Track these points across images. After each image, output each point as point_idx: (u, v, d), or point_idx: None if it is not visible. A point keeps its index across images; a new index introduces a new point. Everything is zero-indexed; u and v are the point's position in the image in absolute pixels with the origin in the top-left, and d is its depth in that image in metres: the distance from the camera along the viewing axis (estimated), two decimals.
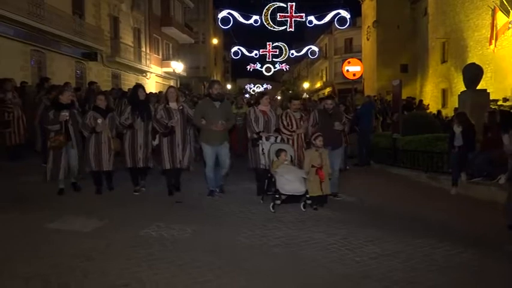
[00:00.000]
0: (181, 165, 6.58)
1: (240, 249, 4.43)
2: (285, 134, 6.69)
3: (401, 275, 3.90)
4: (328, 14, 21.56)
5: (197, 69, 37.20)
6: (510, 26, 15.93)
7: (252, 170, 6.98)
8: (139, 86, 6.94)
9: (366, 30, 34.12)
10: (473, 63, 11.54)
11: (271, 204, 5.83)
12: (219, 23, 22.60)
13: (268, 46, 29.24)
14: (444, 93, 23.95)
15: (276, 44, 29.33)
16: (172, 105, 6.49)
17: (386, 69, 29.25)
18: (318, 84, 49.66)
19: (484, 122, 7.92)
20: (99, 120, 6.35)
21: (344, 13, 21.17)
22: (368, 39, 33.52)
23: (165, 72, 28.67)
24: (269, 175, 6.12)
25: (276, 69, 37.70)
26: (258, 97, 7.15)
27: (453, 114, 12.06)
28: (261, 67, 36.19)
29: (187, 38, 32.48)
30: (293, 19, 21.42)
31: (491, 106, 11.17)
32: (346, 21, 21.71)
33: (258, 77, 46.66)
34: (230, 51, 31.70)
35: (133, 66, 24.15)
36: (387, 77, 26.54)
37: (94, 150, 6.44)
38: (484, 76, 11.13)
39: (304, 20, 21.62)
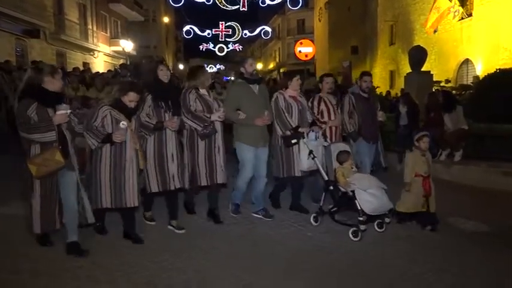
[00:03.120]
0: (222, 179, 4.56)
1: (196, 229, 4.47)
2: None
3: (351, 247, 4.14)
4: None
5: (148, 48, 35.96)
6: (451, 10, 16.67)
7: (280, 179, 5.14)
8: (160, 63, 4.55)
9: (317, 12, 34.47)
10: (419, 46, 12.04)
11: (351, 230, 4.28)
12: (170, 1, 21.97)
13: (221, 26, 28.90)
14: (392, 74, 24.84)
15: (229, 23, 29.03)
16: (204, 92, 4.57)
17: (337, 51, 29.81)
18: (271, 65, 49.79)
19: (426, 103, 8.35)
20: (123, 124, 3.78)
21: None
22: (320, 21, 33.92)
23: (114, 51, 27.56)
24: (331, 187, 4.61)
25: (229, 50, 37.33)
26: (285, 79, 5.22)
27: (400, 94, 12.58)
28: (214, 47, 35.67)
29: (136, 15, 31.28)
30: None
31: (434, 87, 11.76)
32: (299, 2, 21.91)
33: (211, 57, 46.00)
34: (182, 31, 31.00)
35: (80, 45, 23.01)
36: (338, 58, 27.06)
37: (112, 175, 3.83)
38: (428, 58, 11.66)
39: None
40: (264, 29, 30.14)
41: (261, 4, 22.02)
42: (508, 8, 14.66)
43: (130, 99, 3.86)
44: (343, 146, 4.82)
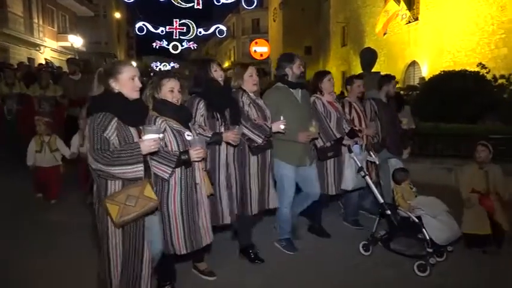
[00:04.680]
0: (273, 203, 3.76)
1: None
2: None
3: (306, 243, 4.24)
4: None
5: (98, 44, 34.83)
6: (399, 13, 17.38)
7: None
8: (211, 61, 3.43)
9: (272, 12, 34.80)
10: (369, 48, 12.44)
11: (417, 264, 3.58)
12: None
13: (175, 23, 28.50)
14: (344, 75, 25.53)
15: (183, 21, 28.70)
16: (254, 96, 3.71)
17: (292, 51, 30.05)
18: (226, 64, 49.67)
19: None
20: (188, 135, 2.92)
21: None
22: (275, 21, 34.28)
23: (62, 47, 26.43)
24: (387, 212, 3.88)
25: (183, 47, 36.94)
26: (315, 80, 4.42)
27: None
28: (168, 45, 35.18)
29: (86, 10, 30.16)
30: None
31: None
32: (253, 2, 22.05)
33: (164, 54, 45.33)
34: (134, 27, 30.27)
35: (25, 39, 21.86)
36: None
37: (184, 209, 2.92)
38: (378, 60, 12.08)
39: None
40: (218, 27, 30.00)
41: (215, 2, 21.93)
42: (451, 14, 15.49)
43: (168, 88, 2.90)
44: (395, 162, 4.23)
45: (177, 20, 28.42)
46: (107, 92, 2.52)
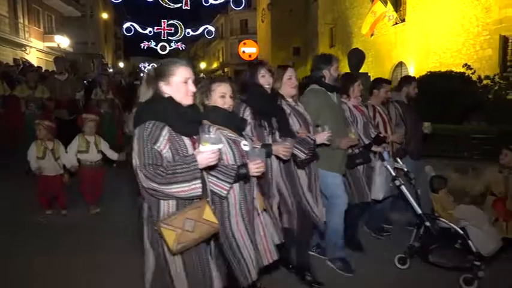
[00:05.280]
0: (322, 216, 3.34)
1: None
2: None
3: None
4: None
5: (85, 45, 34.50)
6: (386, 14, 17.54)
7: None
8: (260, 66, 3.13)
9: (260, 13, 34.86)
10: (357, 48, 12.54)
11: (463, 277, 3.37)
12: None
13: (163, 24, 28.43)
14: None
15: (172, 21, 28.64)
16: (291, 101, 3.37)
17: (280, 52, 30.34)
18: (215, 65, 49.67)
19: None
20: (246, 146, 2.60)
21: None
22: (263, 22, 34.34)
23: (48, 47, 26.15)
24: (427, 224, 3.65)
25: (171, 48, 36.84)
26: (347, 83, 4.10)
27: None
28: (156, 45, 35.07)
29: (73, 10, 29.88)
30: None
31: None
32: (242, 3, 22.14)
33: (153, 55, 45.04)
34: (122, 27, 30.12)
35: (10, 39, 21.57)
36: (281, 59, 27.60)
37: (250, 227, 2.58)
38: (365, 61, 12.18)
39: None
40: (207, 28, 30.03)
41: (204, 3, 21.94)
42: (437, 15, 15.69)
43: (219, 93, 2.59)
44: (429, 169, 4.07)
45: (165, 20, 28.42)
46: (157, 96, 2.21)
